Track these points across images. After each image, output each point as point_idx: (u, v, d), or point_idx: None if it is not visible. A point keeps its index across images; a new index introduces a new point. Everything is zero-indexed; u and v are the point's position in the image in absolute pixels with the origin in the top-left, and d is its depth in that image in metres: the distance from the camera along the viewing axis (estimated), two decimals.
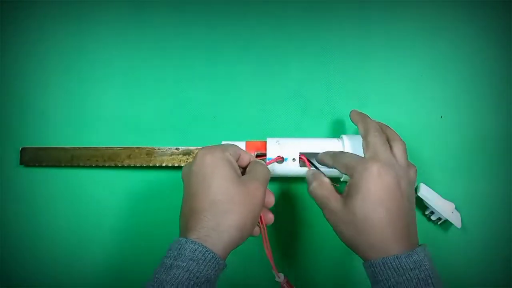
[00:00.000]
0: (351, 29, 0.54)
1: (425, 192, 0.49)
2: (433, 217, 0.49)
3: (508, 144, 0.51)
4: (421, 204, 0.50)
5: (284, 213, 0.51)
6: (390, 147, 0.40)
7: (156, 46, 0.55)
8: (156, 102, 0.54)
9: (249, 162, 0.42)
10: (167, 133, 0.53)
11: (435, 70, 0.53)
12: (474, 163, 0.51)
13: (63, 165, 0.51)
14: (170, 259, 0.34)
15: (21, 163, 0.52)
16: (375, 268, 0.34)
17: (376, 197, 0.35)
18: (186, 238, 0.34)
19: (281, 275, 0.41)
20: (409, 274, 0.32)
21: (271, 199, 0.41)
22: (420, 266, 0.33)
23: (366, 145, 0.40)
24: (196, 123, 0.53)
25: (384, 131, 0.42)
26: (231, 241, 0.35)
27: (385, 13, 0.54)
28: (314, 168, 0.44)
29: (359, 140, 0.44)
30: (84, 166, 0.51)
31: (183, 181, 0.40)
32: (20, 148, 0.52)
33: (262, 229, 0.41)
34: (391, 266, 0.33)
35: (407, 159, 0.40)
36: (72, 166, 0.52)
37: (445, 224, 0.50)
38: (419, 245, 0.35)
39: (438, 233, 0.50)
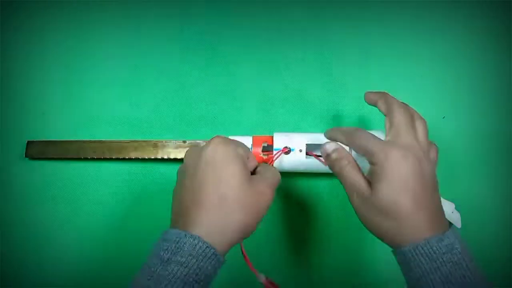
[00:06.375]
0: (351, 29, 0.55)
1: None
2: None
3: (509, 144, 0.52)
4: None
5: (288, 209, 0.51)
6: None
7: (156, 46, 0.55)
8: (157, 103, 0.54)
9: (257, 166, 0.41)
10: (167, 134, 0.53)
11: (435, 71, 0.54)
12: (474, 163, 0.52)
13: (69, 157, 0.51)
14: (168, 252, 0.32)
15: (26, 156, 0.52)
16: (406, 256, 0.33)
17: (401, 182, 0.34)
18: (186, 232, 0.33)
19: (262, 275, 0.38)
20: (442, 259, 0.32)
21: None
22: (452, 250, 0.32)
23: (390, 124, 0.38)
24: (196, 123, 0.54)
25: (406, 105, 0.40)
26: (233, 241, 0.34)
27: (385, 13, 0.55)
28: (335, 143, 0.42)
29: None
30: (90, 159, 0.52)
31: (184, 162, 0.38)
32: (27, 141, 0.52)
33: None
34: (422, 252, 0.32)
35: (427, 138, 0.38)
36: (78, 159, 0.52)
37: None
38: (449, 228, 0.35)
39: None
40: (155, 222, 0.50)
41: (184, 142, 0.50)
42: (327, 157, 0.41)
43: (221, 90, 0.54)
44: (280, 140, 0.46)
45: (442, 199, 0.49)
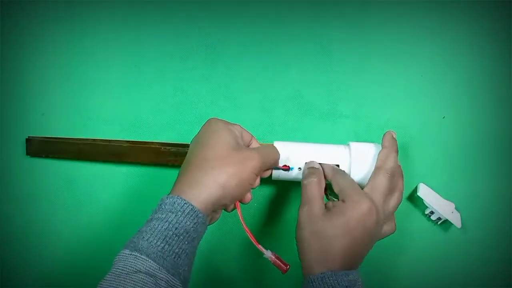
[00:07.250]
0: (351, 30, 0.55)
1: (425, 192, 0.50)
2: (433, 217, 0.50)
3: (509, 144, 0.52)
4: (421, 204, 0.50)
5: (288, 210, 0.52)
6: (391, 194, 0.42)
7: (156, 46, 0.55)
8: (157, 103, 0.54)
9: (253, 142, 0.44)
10: (167, 134, 0.53)
11: (435, 71, 0.53)
12: (475, 163, 0.51)
13: (70, 157, 0.52)
14: (152, 213, 0.36)
15: (27, 153, 0.52)
16: (314, 283, 0.36)
17: (352, 227, 0.38)
18: (168, 195, 0.36)
19: (268, 252, 0.40)
20: None
21: (256, 182, 0.40)
22: (354, 285, 0.35)
23: (373, 176, 0.42)
24: (196, 123, 0.53)
25: (396, 175, 0.43)
26: (211, 196, 0.35)
27: (385, 13, 0.55)
28: (315, 162, 0.44)
29: (365, 148, 0.44)
30: (90, 160, 0.52)
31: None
32: (27, 137, 0.52)
33: (237, 209, 0.40)
34: (328, 282, 0.35)
35: (393, 210, 0.43)
36: (78, 159, 0.52)
37: (445, 224, 0.50)
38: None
39: (438, 233, 0.51)
40: None
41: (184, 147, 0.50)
42: (308, 168, 0.44)
43: (221, 90, 0.54)
44: (279, 151, 0.44)
45: (442, 199, 0.50)
